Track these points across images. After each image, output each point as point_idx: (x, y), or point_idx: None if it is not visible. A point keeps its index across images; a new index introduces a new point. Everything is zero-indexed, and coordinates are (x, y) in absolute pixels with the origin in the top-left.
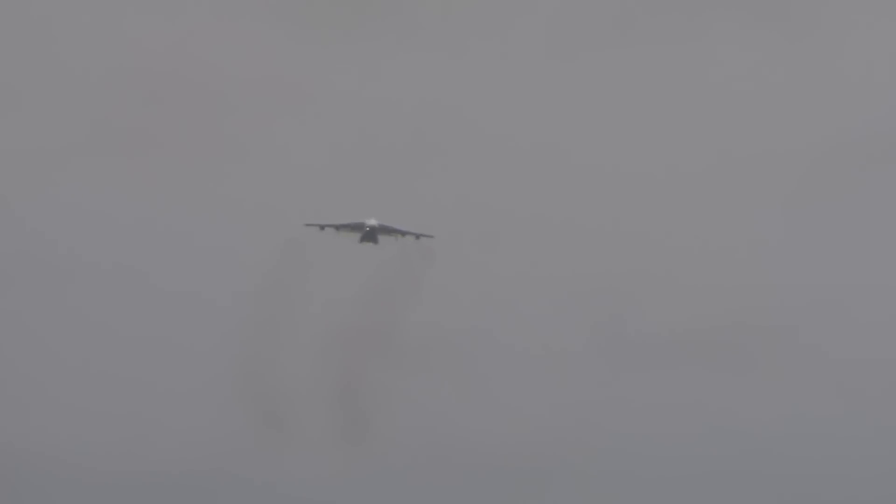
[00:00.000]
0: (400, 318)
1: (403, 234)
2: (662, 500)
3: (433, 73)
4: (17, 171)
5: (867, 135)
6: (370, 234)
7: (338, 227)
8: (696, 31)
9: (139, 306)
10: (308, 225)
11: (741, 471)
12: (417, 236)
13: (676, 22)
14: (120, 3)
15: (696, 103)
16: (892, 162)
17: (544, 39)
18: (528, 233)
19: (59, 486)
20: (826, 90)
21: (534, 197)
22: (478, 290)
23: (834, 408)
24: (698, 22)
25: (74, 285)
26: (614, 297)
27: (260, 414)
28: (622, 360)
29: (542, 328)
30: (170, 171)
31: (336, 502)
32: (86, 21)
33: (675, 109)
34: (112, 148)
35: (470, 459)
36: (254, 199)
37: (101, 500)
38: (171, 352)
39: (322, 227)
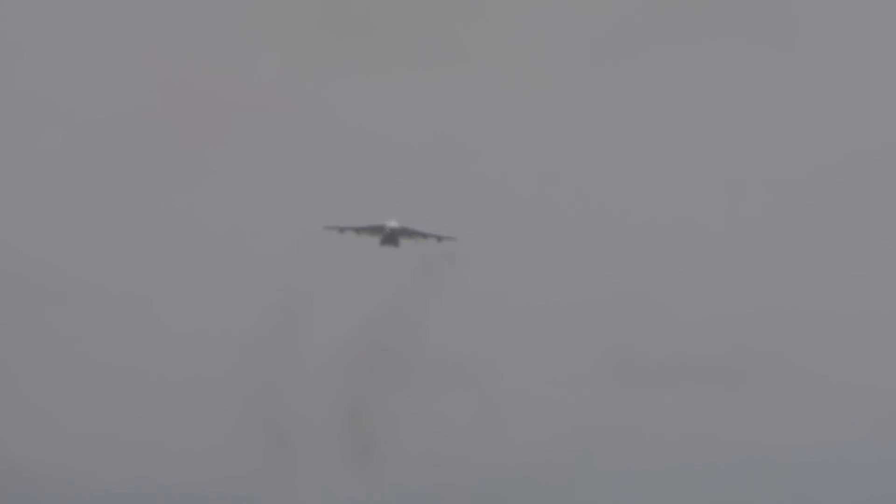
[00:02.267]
0: (410, 340)
1: (425, 236)
2: None
3: (440, 99)
4: (26, 203)
5: (871, 162)
6: (391, 237)
7: (358, 230)
8: (703, 58)
9: (151, 330)
10: (327, 228)
11: (748, 493)
12: (440, 238)
13: (684, 49)
14: (129, 31)
15: (701, 132)
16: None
17: (558, 62)
18: (537, 260)
19: None
20: (831, 115)
21: (543, 228)
22: (488, 316)
23: (839, 432)
24: (705, 49)
25: (87, 313)
26: (623, 324)
27: (271, 437)
28: (631, 385)
29: (552, 354)
30: (183, 185)
31: None
32: (94, 50)
33: (682, 138)
34: (121, 175)
35: (479, 483)
36: (270, 204)
37: None
38: (183, 375)
39: (342, 230)
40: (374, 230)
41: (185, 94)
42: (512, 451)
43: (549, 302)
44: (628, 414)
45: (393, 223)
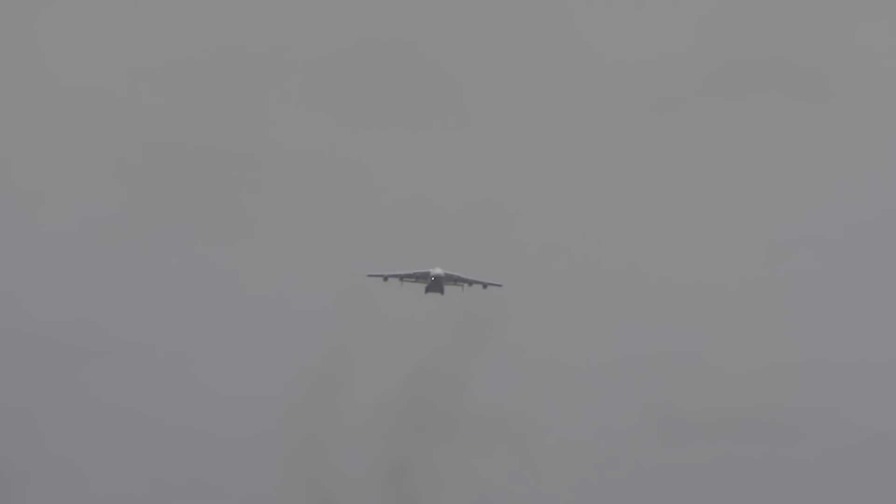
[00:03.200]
0: (452, 395)
1: (471, 283)
2: None
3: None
4: (66, 263)
5: None
6: (436, 284)
7: (402, 278)
8: (740, 113)
9: (191, 390)
10: (371, 276)
11: None
12: (485, 285)
13: (726, 104)
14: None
15: (743, 190)
16: None
17: (597, 118)
18: (574, 320)
19: None
20: (871, 172)
21: (584, 285)
22: (529, 372)
23: (879, 485)
24: (748, 104)
25: (117, 370)
26: (662, 380)
27: (311, 500)
28: (672, 442)
29: (592, 410)
30: (223, 245)
31: None
32: (132, 113)
33: (723, 195)
34: (161, 236)
35: None
36: (311, 263)
37: None
38: (223, 436)
39: (385, 278)
40: (419, 277)
41: (223, 156)
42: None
43: (591, 358)
44: (670, 470)
45: (438, 270)
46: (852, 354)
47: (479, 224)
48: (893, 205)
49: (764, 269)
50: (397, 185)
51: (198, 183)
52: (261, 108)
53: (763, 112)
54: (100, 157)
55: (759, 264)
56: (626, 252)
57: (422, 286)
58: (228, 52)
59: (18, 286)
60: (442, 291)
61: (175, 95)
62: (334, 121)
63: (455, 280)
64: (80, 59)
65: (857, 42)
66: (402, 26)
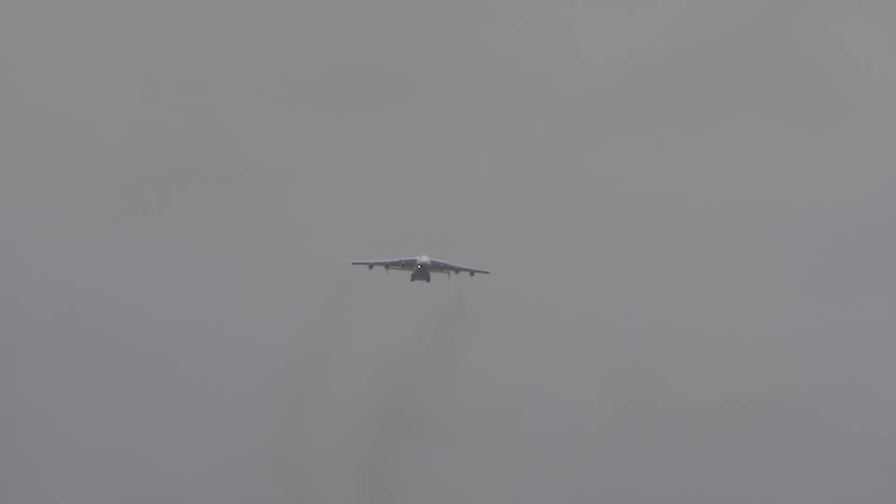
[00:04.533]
0: (430, 390)
1: (458, 270)
2: None
3: (458, 153)
4: (53, 259)
5: (888, 216)
6: (422, 272)
7: (387, 265)
8: (715, 115)
9: (174, 384)
10: (356, 263)
11: None
12: (472, 272)
13: (701, 106)
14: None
15: (720, 189)
16: None
17: (574, 117)
18: (553, 316)
19: None
20: (847, 172)
21: (564, 281)
22: (505, 369)
23: (862, 485)
24: (723, 106)
25: (101, 365)
26: (640, 376)
27: (287, 497)
28: (649, 438)
29: (570, 406)
30: (207, 242)
31: None
32: (120, 113)
33: (701, 193)
34: (140, 220)
35: None
36: (293, 259)
37: None
38: (205, 428)
39: (371, 266)
40: (405, 265)
41: (208, 154)
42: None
43: (571, 354)
44: (647, 466)
45: (424, 258)
46: (828, 352)
47: (457, 217)
48: (868, 203)
49: (740, 266)
50: (378, 180)
51: (182, 180)
52: (246, 109)
53: (737, 113)
54: (84, 157)
55: (735, 262)
56: (605, 249)
57: (408, 274)
58: (212, 55)
59: (7, 281)
60: (428, 279)
61: (160, 96)
62: (314, 121)
63: (441, 267)
64: (68, 60)
65: (830, 44)
66: (380, 28)
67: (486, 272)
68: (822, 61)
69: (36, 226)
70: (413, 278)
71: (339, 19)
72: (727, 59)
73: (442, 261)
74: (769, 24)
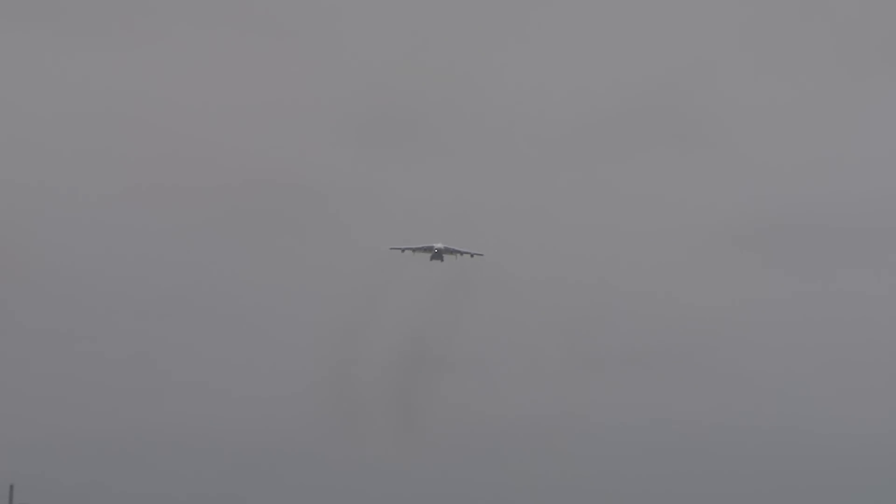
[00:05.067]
0: (440, 339)
1: (462, 253)
2: (622, 477)
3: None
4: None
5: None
6: (437, 254)
7: (414, 250)
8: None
9: (251, 335)
10: (392, 248)
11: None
12: (472, 255)
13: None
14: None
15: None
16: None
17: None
18: (524, 283)
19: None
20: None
21: (527, 261)
22: (496, 319)
23: (747, 402)
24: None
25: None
26: (588, 323)
27: (341, 410)
28: (594, 370)
29: (534, 347)
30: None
31: (394, 476)
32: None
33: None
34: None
35: (491, 440)
36: (352, 236)
37: (200, 468)
38: (279, 359)
39: (402, 250)
40: (426, 249)
41: (270, 174)
42: (514, 418)
43: (535, 307)
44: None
45: (439, 244)
46: (720, 297)
47: (458, 218)
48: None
49: (646, 253)
50: (407, 193)
51: (250, 194)
52: (304, 142)
53: (646, 152)
54: (200, 174)
55: (651, 237)
56: (561, 241)
57: (427, 255)
58: (272, 96)
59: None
60: (442, 259)
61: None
62: (353, 149)
63: (451, 251)
64: (145, 98)
65: (725, 94)
66: (392, 76)
67: (481, 254)
68: (718, 108)
69: (164, 226)
70: (431, 259)
71: (367, 67)
72: (639, 105)
73: (452, 246)
74: (675, 76)
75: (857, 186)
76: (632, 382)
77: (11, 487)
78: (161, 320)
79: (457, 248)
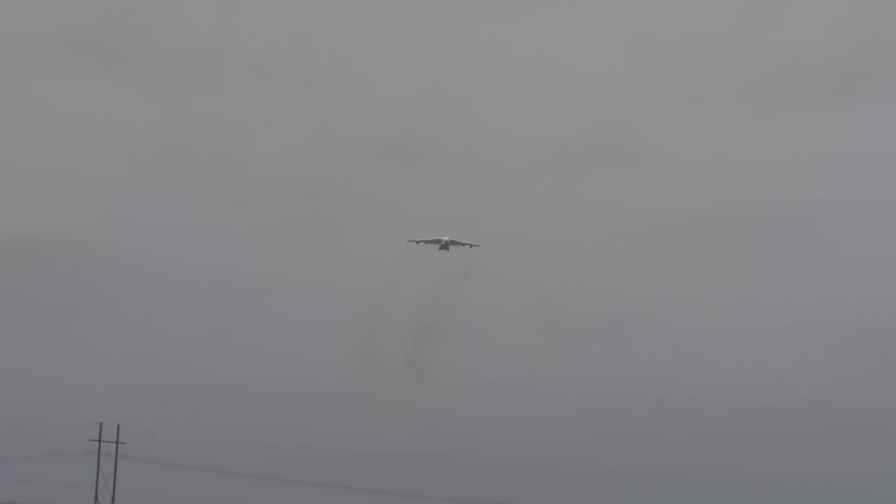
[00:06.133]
0: (444, 310)
1: (463, 244)
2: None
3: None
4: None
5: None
6: (444, 246)
7: (426, 242)
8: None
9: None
10: (409, 241)
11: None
12: (471, 246)
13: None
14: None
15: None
16: None
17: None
18: (509, 266)
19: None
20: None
21: (511, 250)
22: (489, 295)
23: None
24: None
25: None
26: (554, 291)
27: (366, 365)
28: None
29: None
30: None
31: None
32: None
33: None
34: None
35: (482, 394)
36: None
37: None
38: (314, 320)
39: (417, 242)
40: (435, 241)
41: (314, 192)
42: (496, 370)
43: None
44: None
45: (446, 237)
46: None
47: (460, 219)
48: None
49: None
50: (418, 200)
51: (304, 203)
52: (345, 164)
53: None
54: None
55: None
56: (534, 236)
57: (436, 246)
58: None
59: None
60: (448, 249)
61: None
62: (380, 168)
63: (455, 243)
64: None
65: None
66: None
67: (479, 245)
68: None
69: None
70: (439, 249)
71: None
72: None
73: (456, 239)
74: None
75: (755, 195)
76: (594, 347)
77: (101, 424)
78: (240, 296)
79: (459, 241)
